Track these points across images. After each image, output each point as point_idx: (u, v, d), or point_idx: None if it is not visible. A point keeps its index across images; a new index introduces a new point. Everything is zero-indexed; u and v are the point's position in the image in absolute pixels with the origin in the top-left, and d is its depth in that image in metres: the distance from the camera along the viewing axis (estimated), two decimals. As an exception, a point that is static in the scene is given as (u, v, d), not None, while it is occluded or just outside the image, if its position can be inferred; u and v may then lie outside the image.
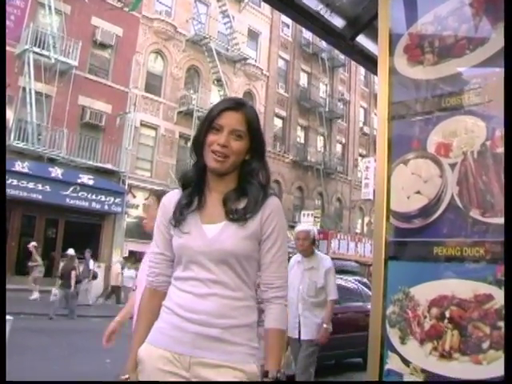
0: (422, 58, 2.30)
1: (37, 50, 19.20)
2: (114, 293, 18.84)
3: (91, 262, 17.75)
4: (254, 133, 1.87)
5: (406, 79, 2.36)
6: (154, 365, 1.75)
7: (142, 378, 1.79)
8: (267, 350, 1.76)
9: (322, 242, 30.14)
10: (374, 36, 3.59)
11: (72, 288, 14.44)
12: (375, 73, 3.58)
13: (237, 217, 1.80)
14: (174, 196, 1.95)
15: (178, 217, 1.85)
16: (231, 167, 1.85)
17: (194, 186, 1.90)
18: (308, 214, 29.59)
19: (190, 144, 1.95)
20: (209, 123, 1.84)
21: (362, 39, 3.79)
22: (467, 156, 2.07)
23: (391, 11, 2.50)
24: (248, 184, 1.87)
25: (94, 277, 18.13)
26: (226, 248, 1.77)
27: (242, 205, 1.82)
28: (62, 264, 16.89)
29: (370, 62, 3.86)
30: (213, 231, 1.80)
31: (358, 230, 35.58)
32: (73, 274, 14.63)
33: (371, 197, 30.53)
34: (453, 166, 2.11)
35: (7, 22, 17.98)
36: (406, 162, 2.27)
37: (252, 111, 1.90)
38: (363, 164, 32.68)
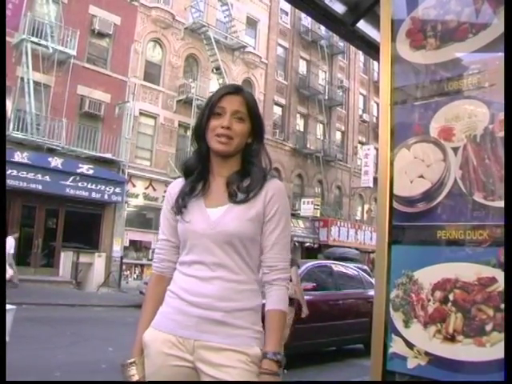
0: (425, 43, 2.29)
1: (34, 39, 19.06)
2: None
3: None
4: (254, 115, 1.91)
5: (408, 64, 2.36)
6: (159, 349, 1.77)
7: (147, 363, 1.81)
8: (267, 332, 1.76)
9: (322, 229, 30.33)
10: (374, 22, 3.58)
11: None
12: (376, 59, 3.58)
13: (239, 198, 1.81)
14: (178, 184, 1.97)
15: (181, 203, 1.87)
16: (236, 149, 1.87)
17: (198, 173, 1.92)
18: (308, 202, 29.64)
19: (190, 132, 1.97)
20: (210, 108, 1.88)
21: (362, 25, 3.78)
22: (470, 140, 2.08)
23: (393, -4, 2.48)
24: (250, 165, 1.90)
25: None
26: (229, 230, 1.78)
27: (244, 185, 1.84)
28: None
29: (370, 48, 3.85)
30: (216, 214, 1.82)
31: (358, 218, 35.66)
32: None
33: (371, 184, 30.59)
34: (456, 149, 2.11)
35: (4, 11, 17.87)
36: (408, 146, 2.27)
37: (250, 95, 1.96)
38: (363, 151, 32.72)
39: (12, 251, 16.89)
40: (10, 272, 16.73)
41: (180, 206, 1.87)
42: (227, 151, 1.85)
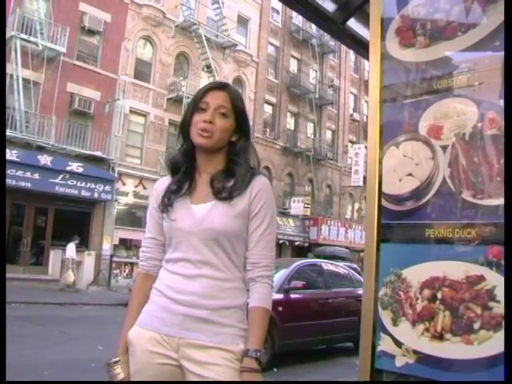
0: (414, 41, 2.28)
1: (24, 36, 18.98)
2: None
3: None
4: (238, 112, 1.90)
5: (397, 62, 2.35)
6: (144, 347, 1.77)
7: (132, 361, 1.81)
8: (249, 329, 1.76)
9: (312, 228, 30.38)
10: (365, 20, 3.58)
11: None
12: (366, 57, 3.59)
13: (224, 196, 1.80)
14: (164, 182, 1.96)
15: (166, 202, 1.86)
16: (217, 143, 1.86)
17: (184, 170, 1.91)
18: (298, 201, 29.68)
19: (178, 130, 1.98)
20: (194, 104, 1.88)
21: (352, 23, 3.78)
22: (459, 138, 2.07)
23: (383, -7, 2.48)
24: (235, 165, 1.88)
25: None
26: (214, 227, 1.77)
27: (229, 184, 1.83)
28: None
29: (360, 46, 3.85)
30: (202, 211, 1.81)
31: (348, 216, 35.74)
32: None
33: (361, 183, 30.67)
34: (444, 148, 2.11)
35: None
36: (397, 144, 2.27)
37: (236, 91, 1.96)
38: (353, 150, 32.77)
39: (74, 257, 17.21)
40: (72, 277, 17.01)
41: (166, 205, 1.86)
42: (207, 144, 1.83)
